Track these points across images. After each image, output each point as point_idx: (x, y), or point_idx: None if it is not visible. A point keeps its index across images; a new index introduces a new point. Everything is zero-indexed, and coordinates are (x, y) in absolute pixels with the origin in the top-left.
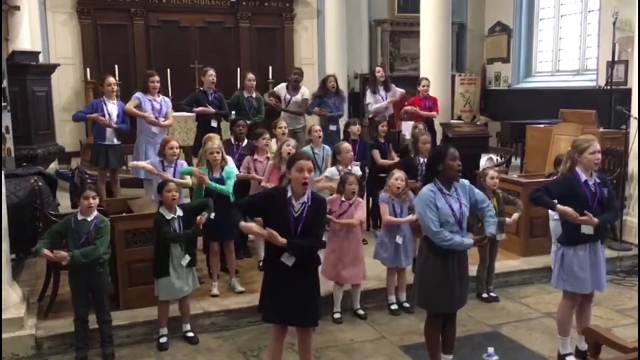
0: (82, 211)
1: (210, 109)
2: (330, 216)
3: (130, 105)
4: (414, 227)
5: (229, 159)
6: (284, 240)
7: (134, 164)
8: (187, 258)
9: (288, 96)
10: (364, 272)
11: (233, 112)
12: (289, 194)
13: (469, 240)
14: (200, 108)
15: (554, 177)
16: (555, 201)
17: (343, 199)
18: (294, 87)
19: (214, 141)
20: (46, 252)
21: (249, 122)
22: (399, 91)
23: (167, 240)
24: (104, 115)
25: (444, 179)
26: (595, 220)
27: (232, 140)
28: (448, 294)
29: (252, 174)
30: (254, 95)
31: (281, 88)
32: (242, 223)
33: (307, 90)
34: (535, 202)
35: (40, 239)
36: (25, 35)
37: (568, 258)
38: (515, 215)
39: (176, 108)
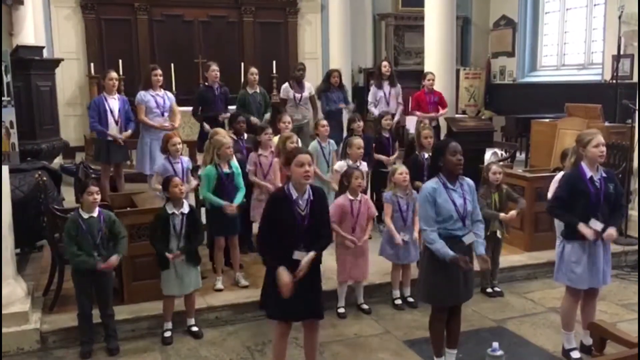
0: (86, 207)
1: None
2: (346, 234)
3: (142, 116)
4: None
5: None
6: (305, 265)
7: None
8: (182, 256)
9: (297, 95)
10: (367, 268)
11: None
12: (294, 195)
13: (449, 253)
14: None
15: (559, 174)
16: (579, 223)
17: (351, 197)
18: (299, 83)
19: (226, 136)
20: (103, 265)
21: (255, 119)
22: (399, 106)
23: (151, 240)
24: (106, 113)
25: (447, 174)
26: (613, 234)
27: (234, 136)
28: (452, 288)
29: (265, 184)
30: (258, 90)
31: (285, 89)
32: (280, 270)
33: (311, 86)
34: (557, 218)
35: (72, 253)
36: (29, 30)
37: (567, 252)
38: (513, 213)
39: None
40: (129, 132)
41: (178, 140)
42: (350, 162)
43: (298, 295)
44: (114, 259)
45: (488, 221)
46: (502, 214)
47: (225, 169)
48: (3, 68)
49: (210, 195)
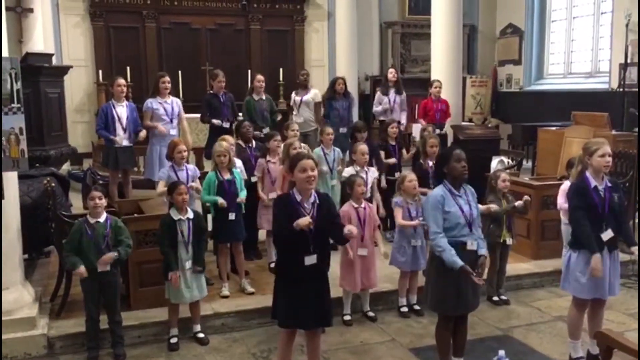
0: (91, 212)
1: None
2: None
3: (147, 121)
4: (426, 230)
5: (238, 161)
6: (306, 221)
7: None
8: (189, 263)
9: (297, 98)
10: (376, 276)
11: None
12: (298, 197)
13: (458, 262)
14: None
15: (566, 183)
16: (596, 254)
17: (354, 204)
18: (304, 87)
19: (223, 144)
20: (82, 269)
21: (265, 127)
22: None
23: (160, 248)
24: (114, 120)
25: (451, 181)
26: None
27: (242, 143)
28: (460, 297)
29: (262, 196)
30: (264, 97)
31: (294, 96)
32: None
33: (317, 92)
34: (579, 230)
35: (66, 254)
36: (39, 37)
37: (573, 261)
38: (527, 197)
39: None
40: (143, 133)
41: (184, 147)
42: (358, 169)
43: (309, 303)
44: (108, 256)
45: (499, 229)
46: (518, 202)
47: (227, 176)
48: (14, 75)
49: (207, 197)
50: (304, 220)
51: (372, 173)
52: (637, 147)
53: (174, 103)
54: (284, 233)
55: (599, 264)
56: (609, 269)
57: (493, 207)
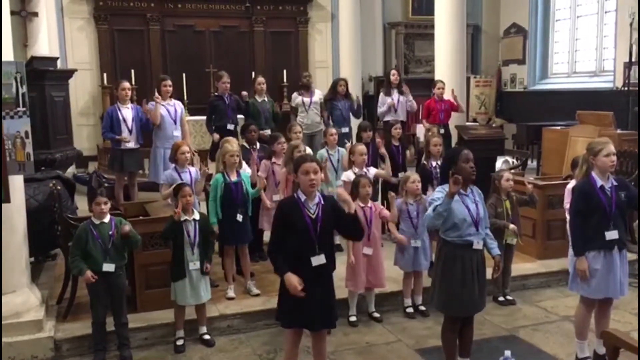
0: (96, 216)
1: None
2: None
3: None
4: (430, 231)
5: (243, 163)
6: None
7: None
8: (197, 264)
9: (307, 99)
10: (384, 275)
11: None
12: (303, 198)
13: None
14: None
15: (571, 183)
16: (584, 255)
17: (361, 204)
18: (308, 89)
19: (233, 144)
20: (88, 275)
21: (267, 129)
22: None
23: (162, 235)
24: (119, 122)
25: None
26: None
27: (247, 145)
28: (467, 298)
29: (265, 200)
30: (266, 99)
31: (294, 97)
32: (288, 275)
33: (321, 93)
34: (572, 235)
35: (72, 258)
36: (44, 41)
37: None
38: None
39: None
40: (137, 139)
41: (187, 149)
42: (357, 170)
43: (313, 303)
44: (125, 228)
45: (500, 230)
46: (511, 225)
47: (234, 178)
48: (19, 79)
49: (211, 207)
50: (294, 287)
51: (371, 173)
52: (638, 147)
53: (177, 106)
54: (272, 250)
55: (585, 265)
56: (619, 268)
57: (499, 221)
